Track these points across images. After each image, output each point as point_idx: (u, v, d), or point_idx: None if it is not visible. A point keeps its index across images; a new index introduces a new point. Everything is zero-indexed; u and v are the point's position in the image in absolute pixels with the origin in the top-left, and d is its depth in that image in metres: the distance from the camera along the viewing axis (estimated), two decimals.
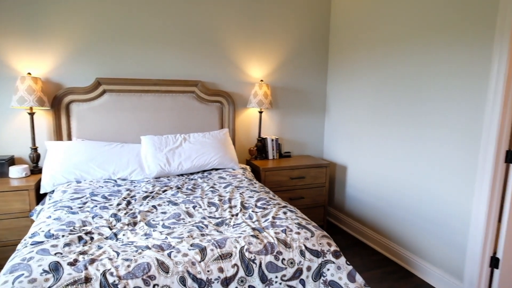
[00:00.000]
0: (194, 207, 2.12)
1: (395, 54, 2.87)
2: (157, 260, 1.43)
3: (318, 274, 1.64)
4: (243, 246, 1.58)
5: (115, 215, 1.96)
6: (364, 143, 3.29)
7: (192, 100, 3.30)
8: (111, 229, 1.78)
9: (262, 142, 3.59)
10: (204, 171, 3.02)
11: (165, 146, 2.92)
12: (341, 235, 3.49)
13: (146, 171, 2.79)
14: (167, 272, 1.40)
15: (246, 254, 1.55)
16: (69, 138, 2.94)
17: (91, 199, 2.18)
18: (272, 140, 3.58)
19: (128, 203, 2.18)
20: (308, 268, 1.62)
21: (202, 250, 1.52)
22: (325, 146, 3.93)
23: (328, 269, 1.65)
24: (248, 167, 3.26)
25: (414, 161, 2.73)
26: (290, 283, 1.58)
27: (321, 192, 3.49)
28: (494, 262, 2.32)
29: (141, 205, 2.15)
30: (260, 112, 3.53)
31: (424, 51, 2.60)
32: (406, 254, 2.85)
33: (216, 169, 3.06)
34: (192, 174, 2.94)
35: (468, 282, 2.36)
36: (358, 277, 1.66)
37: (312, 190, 3.45)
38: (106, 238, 1.68)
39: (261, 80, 3.49)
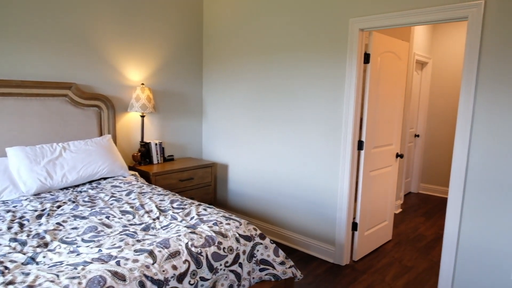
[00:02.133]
0: (108, 218, 1.99)
1: (269, 62, 3.34)
2: (109, 271, 1.36)
3: (251, 256, 1.85)
4: (187, 243, 1.65)
5: (15, 239, 1.67)
6: (243, 141, 3.67)
7: (65, 105, 2.96)
8: (24, 253, 1.53)
9: (146, 147, 3.51)
10: (92, 181, 2.77)
11: (42, 158, 2.55)
12: None
13: (22, 188, 2.38)
14: (125, 280, 1.35)
15: (193, 249, 1.63)
16: None
17: None
18: (156, 144, 3.55)
19: (21, 225, 1.86)
20: (244, 252, 1.82)
21: (151, 253, 1.52)
22: (204, 147, 4.14)
23: (258, 250, 1.89)
24: (136, 173, 3.15)
25: (290, 153, 3.26)
26: (232, 268, 1.74)
27: (208, 191, 3.68)
28: (354, 226, 3.04)
29: (40, 225, 1.87)
30: (142, 116, 3.45)
31: (295, 60, 3.14)
32: (289, 234, 3.35)
33: (105, 178, 2.85)
34: (78, 186, 2.66)
35: (338, 245, 3.00)
36: (281, 252, 1.96)
37: (200, 190, 3.60)
38: (23, 263, 1.45)
39: (142, 84, 3.41)
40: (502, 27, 2.12)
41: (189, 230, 1.78)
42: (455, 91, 5.00)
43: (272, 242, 1.97)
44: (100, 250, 1.56)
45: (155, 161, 3.55)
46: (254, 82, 3.51)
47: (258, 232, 1.95)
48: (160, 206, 2.20)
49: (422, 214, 4.36)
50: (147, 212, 2.11)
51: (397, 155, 3.38)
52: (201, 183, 3.60)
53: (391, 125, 3.24)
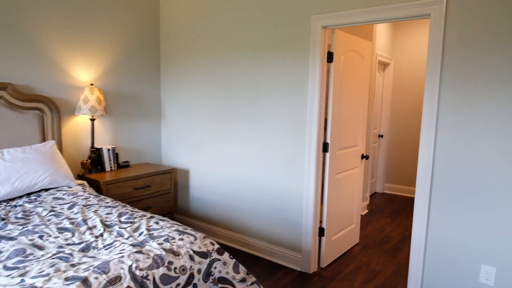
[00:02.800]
0: (41, 237, 1.72)
1: (231, 61, 3.16)
2: None
3: (208, 275, 1.66)
4: (131, 265, 1.43)
5: None
6: (206, 145, 3.46)
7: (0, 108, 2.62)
8: None
9: (96, 153, 3.21)
10: (30, 193, 2.46)
11: None
12: None
13: None
14: None
15: (137, 272, 1.41)
16: None
17: None
18: (109, 150, 3.26)
19: None
20: (199, 271, 1.62)
21: (85, 281, 1.29)
22: (163, 152, 3.88)
23: (215, 267, 1.70)
24: (85, 182, 2.86)
25: (255, 157, 3.09)
26: None
27: (167, 198, 3.43)
28: (321, 231, 2.92)
29: None
30: (92, 120, 3.15)
31: (257, 58, 2.98)
32: (254, 241, 3.18)
33: (47, 189, 2.55)
34: (13, 199, 2.35)
35: (305, 252, 2.87)
36: (241, 268, 1.78)
37: (159, 198, 3.35)
38: None
39: (91, 84, 3.12)
40: (465, 24, 2.07)
41: (135, 249, 1.55)
42: (417, 92, 5.07)
43: (231, 257, 1.78)
44: (22, 281, 1.30)
45: (107, 168, 3.26)
46: (215, 82, 3.31)
47: (216, 246, 1.76)
48: (105, 221, 1.95)
49: (388, 215, 4.35)
50: (89, 228, 1.86)
51: (363, 157, 3.31)
52: (160, 191, 3.35)
53: (356, 126, 3.16)
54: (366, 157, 3.29)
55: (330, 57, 2.72)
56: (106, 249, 1.61)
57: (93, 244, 1.67)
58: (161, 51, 3.76)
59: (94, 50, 3.21)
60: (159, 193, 3.34)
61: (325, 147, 2.83)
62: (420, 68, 4.99)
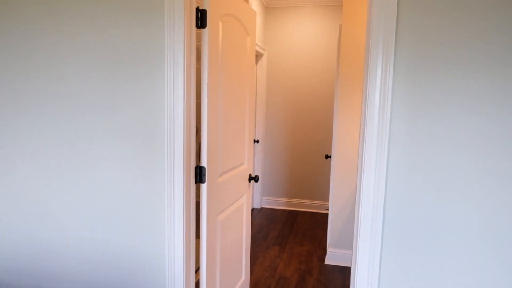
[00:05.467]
0: None
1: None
2: None
3: None
4: None
5: None
6: None
7: None
8: None
9: None
10: None
11: None
12: None
13: None
14: None
15: None
16: None
17: None
18: None
19: None
20: None
21: None
22: None
23: None
24: None
25: (82, 209, 1.69)
26: None
27: None
28: None
29: None
30: None
31: (66, 20, 1.58)
32: None
33: None
34: None
35: None
36: None
37: None
38: None
39: None
40: None
41: None
42: (295, 89, 4.41)
43: None
44: None
45: None
46: None
47: None
48: None
49: (274, 241, 3.50)
50: None
51: (251, 178, 2.29)
52: None
53: (241, 134, 2.11)
54: (255, 179, 2.28)
55: (202, 18, 1.57)
56: None
57: None
58: None
59: None
60: None
61: (199, 175, 1.66)
62: (295, 62, 4.35)
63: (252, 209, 4.51)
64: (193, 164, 1.63)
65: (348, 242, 2.98)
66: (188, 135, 1.56)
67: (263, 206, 4.64)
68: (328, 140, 4.37)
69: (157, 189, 1.58)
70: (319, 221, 4.10)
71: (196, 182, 1.66)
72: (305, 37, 4.29)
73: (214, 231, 1.79)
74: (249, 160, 2.26)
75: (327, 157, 3.22)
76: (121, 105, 1.57)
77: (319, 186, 4.45)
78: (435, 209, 1.34)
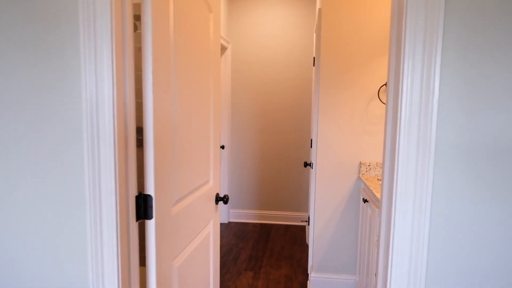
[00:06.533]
0: None
1: None
2: None
3: None
4: None
5: None
6: None
7: None
8: None
9: None
10: None
11: None
12: None
13: None
14: None
15: None
16: None
17: None
18: None
19: None
20: None
21: None
22: None
23: None
24: None
25: None
26: None
27: None
28: None
29: None
30: None
31: None
32: None
33: None
34: None
35: None
36: None
37: None
38: None
39: None
40: None
41: None
42: (263, 87, 3.93)
43: None
44: None
45: None
46: None
47: None
48: None
49: (246, 264, 2.99)
50: None
51: (218, 199, 1.76)
52: None
53: (205, 141, 1.58)
54: (224, 200, 1.75)
55: None
56: None
57: None
58: None
59: None
60: None
61: (142, 208, 1.11)
62: (270, 57, 3.87)
63: (220, 224, 3.96)
64: (133, 193, 1.08)
65: (335, 265, 2.53)
66: (122, 148, 1.01)
67: (231, 220, 4.11)
68: (305, 144, 3.93)
69: (76, 231, 1.01)
70: (296, 236, 3.64)
71: (138, 218, 1.11)
72: (275, 27, 3.82)
73: (169, 283, 1.25)
74: (215, 175, 1.73)
75: (306, 164, 2.76)
76: (4, 106, 0.98)
77: (294, 196, 4.00)
78: None
